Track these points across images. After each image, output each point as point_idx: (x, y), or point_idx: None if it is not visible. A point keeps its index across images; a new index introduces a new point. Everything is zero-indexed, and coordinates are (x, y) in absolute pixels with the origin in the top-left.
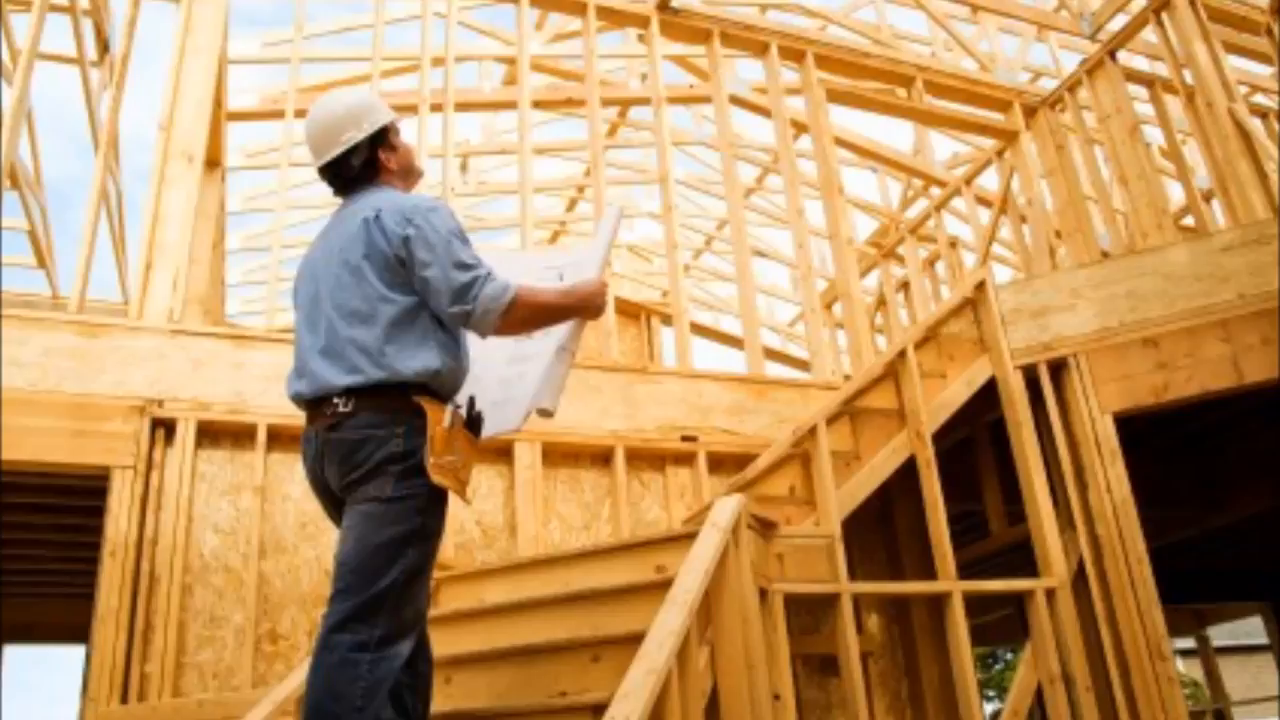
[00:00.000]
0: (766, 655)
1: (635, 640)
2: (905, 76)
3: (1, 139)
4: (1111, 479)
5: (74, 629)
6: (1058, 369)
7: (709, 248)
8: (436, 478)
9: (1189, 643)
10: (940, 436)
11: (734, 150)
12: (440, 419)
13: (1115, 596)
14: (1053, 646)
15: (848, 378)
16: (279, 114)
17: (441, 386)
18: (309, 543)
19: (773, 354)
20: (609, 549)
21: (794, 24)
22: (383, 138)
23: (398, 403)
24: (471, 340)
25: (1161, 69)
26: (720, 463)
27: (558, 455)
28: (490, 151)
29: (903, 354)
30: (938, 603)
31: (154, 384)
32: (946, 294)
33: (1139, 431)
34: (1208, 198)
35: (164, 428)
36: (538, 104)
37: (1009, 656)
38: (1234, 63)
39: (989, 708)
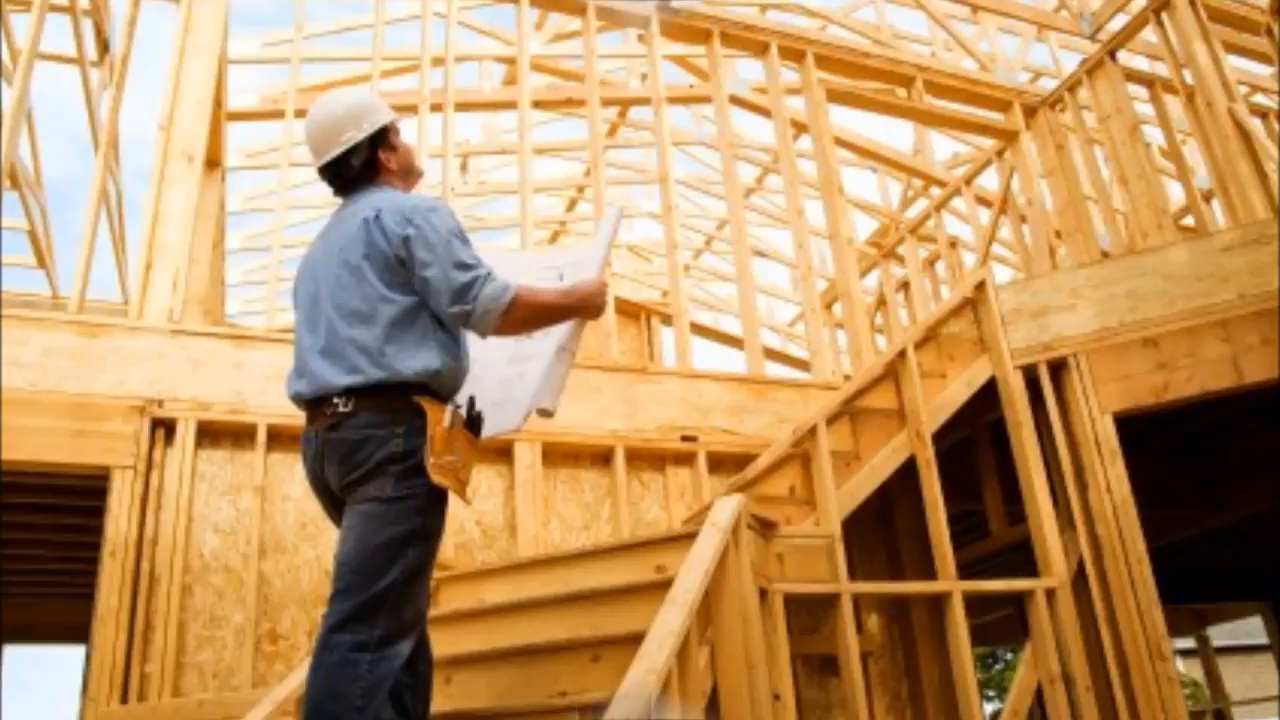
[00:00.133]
0: (766, 655)
1: (635, 640)
2: (905, 76)
3: (1, 139)
4: (1111, 479)
5: (74, 629)
6: (1058, 369)
7: (709, 248)
8: (436, 478)
9: (1189, 643)
10: (940, 436)
11: (734, 150)
12: (440, 419)
13: (1115, 596)
14: (1053, 646)
15: (848, 378)
16: (279, 114)
17: (441, 386)
18: (309, 543)
19: (773, 354)
20: (609, 549)
21: (794, 24)
22: (383, 138)
23: (398, 403)
24: (471, 340)
25: (1161, 69)
26: (720, 463)
27: (558, 455)
28: (490, 151)
29: (903, 354)
30: (938, 603)
31: (154, 384)
32: (946, 294)
33: (1139, 431)
34: (1208, 198)
35: (164, 428)
36: (538, 104)
37: (1009, 656)
38: (1234, 63)
39: (989, 708)
